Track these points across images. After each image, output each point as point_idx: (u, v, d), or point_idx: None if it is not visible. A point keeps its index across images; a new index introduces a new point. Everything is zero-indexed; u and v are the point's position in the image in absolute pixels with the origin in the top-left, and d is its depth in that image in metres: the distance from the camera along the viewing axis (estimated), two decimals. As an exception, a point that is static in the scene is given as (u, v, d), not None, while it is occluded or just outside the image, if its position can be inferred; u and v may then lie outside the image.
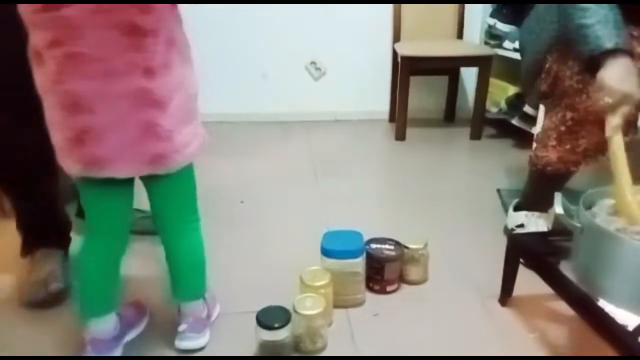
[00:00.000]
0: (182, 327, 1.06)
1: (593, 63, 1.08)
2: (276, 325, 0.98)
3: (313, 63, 2.73)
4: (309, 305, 1.03)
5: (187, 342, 1.06)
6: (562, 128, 1.25)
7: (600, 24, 1.05)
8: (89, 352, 0.98)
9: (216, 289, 1.21)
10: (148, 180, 0.97)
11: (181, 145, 0.92)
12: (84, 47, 0.82)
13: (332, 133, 2.62)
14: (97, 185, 0.92)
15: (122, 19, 0.82)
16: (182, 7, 0.92)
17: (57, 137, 0.89)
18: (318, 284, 1.09)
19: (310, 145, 2.41)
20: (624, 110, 1.02)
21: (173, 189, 1.00)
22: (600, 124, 1.17)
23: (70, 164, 0.89)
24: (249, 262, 1.41)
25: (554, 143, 1.28)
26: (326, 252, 1.18)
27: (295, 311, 1.02)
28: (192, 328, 1.06)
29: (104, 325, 1.01)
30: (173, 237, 1.04)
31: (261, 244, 1.50)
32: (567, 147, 1.26)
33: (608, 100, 1.03)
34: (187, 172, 0.99)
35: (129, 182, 0.95)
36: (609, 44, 1.04)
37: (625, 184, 0.97)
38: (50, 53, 0.83)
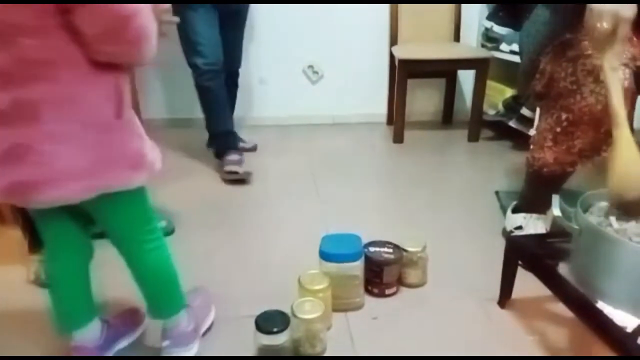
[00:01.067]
0: (165, 343, 1.02)
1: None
2: (275, 329, 0.98)
3: (311, 67, 2.73)
4: (308, 309, 1.03)
5: (171, 351, 1.02)
6: (558, 129, 1.26)
7: None
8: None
9: (215, 293, 1.21)
10: (95, 204, 0.86)
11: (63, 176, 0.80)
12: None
13: (330, 136, 2.62)
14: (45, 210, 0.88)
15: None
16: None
17: None
18: (317, 287, 1.09)
19: (308, 148, 2.42)
20: (621, 34, 1.00)
21: (122, 211, 0.92)
22: (595, 124, 1.18)
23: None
24: (248, 265, 1.41)
25: (549, 144, 1.28)
26: (325, 256, 1.18)
27: (294, 315, 1.02)
28: (177, 343, 1.02)
29: (87, 334, 1.00)
30: (133, 259, 0.97)
31: (259, 247, 1.50)
32: (563, 147, 1.26)
33: (605, 26, 1.00)
34: (136, 192, 0.90)
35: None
36: None
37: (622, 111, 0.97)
38: None
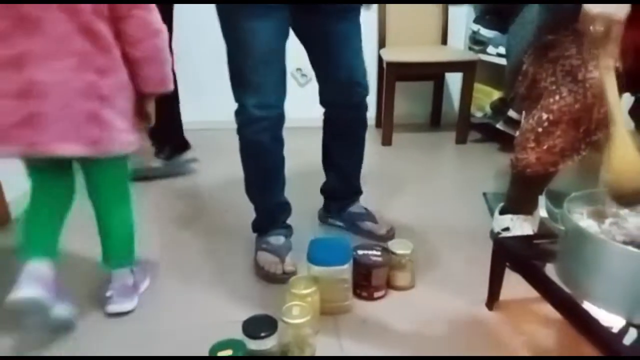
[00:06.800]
0: (109, 293, 1.21)
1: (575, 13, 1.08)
2: (262, 334, 0.97)
3: (299, 69, 2.73)
4: (296, 314, 1.02)
5: (113, 306, 1.19)
6: (539, 129, 1.27)
7: None
8: (22, 279, 1.06)
9: (202, 298, 1.21)
10: (86, 162, 1.13)
11: (118, 135, 1.08)
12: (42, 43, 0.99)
13: (318, 139, 2.61)
14: (41, 162, 1.09)
15: (81, 22, 1.00)
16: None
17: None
18: (305, 292, 1.09)
19: (297, 151, 2.40)
20: (615, 35, 1.02)
21: (109, 172, 1.17)
22: (574, 124, 1.20)
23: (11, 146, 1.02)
24: (235, 270, 1.40)
25: (532, 145, 1.30)
26: (313, 260, 1.17)
27: (282, 320, 1.01)
28: (119, 294, 1.20)
29: (43, 266, 1.09)
30: (105, 213, 1.19)
31: (248, 251, 1.48)
32: (545, 147, 1.27)
33: (599, 28, 1.02)
34: (121, 159, 1.15)
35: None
36: None
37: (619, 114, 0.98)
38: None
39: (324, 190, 1.65)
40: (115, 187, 1.19)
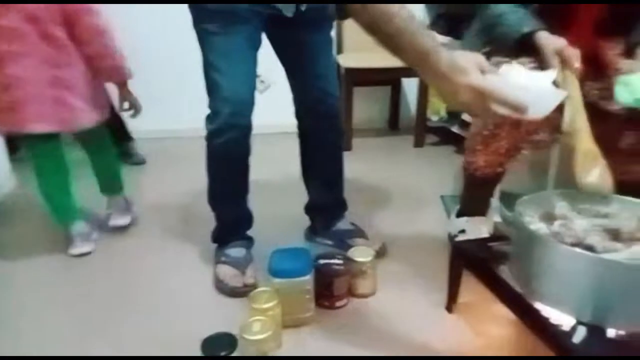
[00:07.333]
0: (108, 211, 1.71)
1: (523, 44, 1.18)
2: (222, 353, 0.95)
3: (258, 76, 2.70)
4: (257, 330, 1.01)
5: (114, 221, 1.67)
6: (485, 132, 1.31)
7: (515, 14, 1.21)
8: (76, 243, 1.53)
9: (161, 313, 1.19)
10: (77, 134, 1.60)
11: (81, 114, 1.47)
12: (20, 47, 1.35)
13: (278, 146, 2.59)
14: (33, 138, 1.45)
15: (42, 29, 1.35)
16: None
17: None
18: (266, 306, 1.07)
19: (256, 158, 2.38)
20: (569, 54, 1.10)
21: (95, 136, 1.62)
22: (515, 124, 1.26)
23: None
24: (195, 283, 1.36)
25: (480, 147, 1.34)
26: (274, 272, 1.16)
27: (243, 337, 0.99)
28: (116, 210, 1.70)
29: (79, 225, 1.56)
30: (98, 157, 1.69)
31: (207, 263, 1.45)
32: (491, 149, 1.32)
33: (558, 53, 1.10)
34: (100, 127, 1.58)
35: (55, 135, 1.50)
36: (526, 29, 1.17)
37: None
38: None
39: (308, 209, 1.61)
40: (100, 142, 1.66)
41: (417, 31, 0.85)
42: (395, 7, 0.86)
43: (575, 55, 1.11)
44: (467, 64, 0.83)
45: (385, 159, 2.45)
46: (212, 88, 1.27)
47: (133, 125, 2.35)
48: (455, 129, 2.41)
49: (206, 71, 1.28)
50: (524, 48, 1.18)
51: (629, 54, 1.23)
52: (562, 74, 1.08)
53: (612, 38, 1.30)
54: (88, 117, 1.48)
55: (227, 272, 1.33)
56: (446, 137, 2.56)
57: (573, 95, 1.05)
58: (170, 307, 1.26)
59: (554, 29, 1.26)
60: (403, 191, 2.05)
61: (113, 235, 1.66)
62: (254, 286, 1.27)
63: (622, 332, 0.86)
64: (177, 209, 1.87)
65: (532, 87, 0.87)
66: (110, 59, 1.47)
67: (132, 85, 1.63)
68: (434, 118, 2.62)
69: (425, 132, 2.61)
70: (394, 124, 2.87)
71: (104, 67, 1.47)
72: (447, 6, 2.52)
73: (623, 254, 0.89)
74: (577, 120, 1.03)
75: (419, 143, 2.58)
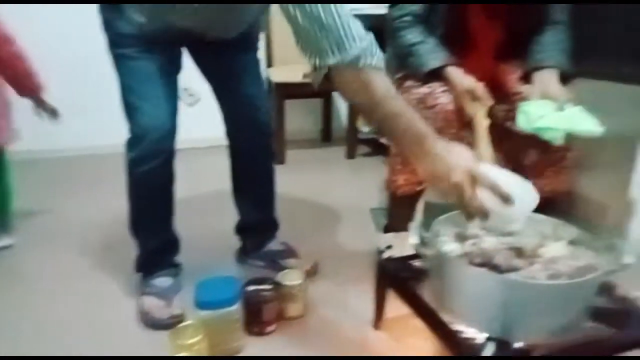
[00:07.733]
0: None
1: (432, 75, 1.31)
2: (144, 397, 0.92)
3: (186, 89, 2.63)
4: (182, 367, 0.98)
5: None
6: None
7: (425, 46, 1.32)
8: None
9: (81, 349, 1.12)
10: None
11: None
12: None
13: (207, 160, 2.55)
14: None
15: None
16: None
17: None
18: (191, 341, 1.05)
19: (185, 173, 2.32)
20: (480, 93, 1.25)
21: None
22: None
23: None
24: (117, 316, 1.31)
25: (399, 167, 1.41)
26: (200, 304, 1.13)
27: (167, 376, 0.97)
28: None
29: None
30: None
31: (130, 293, 1.39)
32: (411, 169, 1.39)
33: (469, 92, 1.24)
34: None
35: None
36: (436, 63, 1.29)
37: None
38: None
39: (239, 229, 1.58)
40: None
41: (414, 116, 0.95)
42: (392, 91, 0.95)
43: (485, 94, 1.20)
44: (462, 149, 0.92)
45: (318, 172, 2.49)
46: (132, 113, 1.22)
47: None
48: (383, 140, 2.48)
49: (124, 95, 1.23)
50: (434, 77, 1.26)
51: (526, 79, 1.34)
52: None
53: (512, 62, 1.41)
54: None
55: (152, 303, 1.28)
56: (376, 148, 2.64)
57: (482, 130, 1.14)
58: (93, 341, 1.20)
59: (457, 54, 1.35)
60: (335, 205, 2.09)
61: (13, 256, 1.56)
62: (181, 316, 1.24)
63: (524, 344, 0.93)
64: (98, 232, 1.78)
65: (518, 187, 0.93)
66: (34, 77, 1.63)
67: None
68: (365, 129, 2.70)
69: (357, 144, 2.67)
70: (326, 136, 2.92)
71: (27, 85, 1.63)
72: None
73: (525, 271, 0.96)
74: (483, 150, 1.11)
75: (350, 155, 2.64)
